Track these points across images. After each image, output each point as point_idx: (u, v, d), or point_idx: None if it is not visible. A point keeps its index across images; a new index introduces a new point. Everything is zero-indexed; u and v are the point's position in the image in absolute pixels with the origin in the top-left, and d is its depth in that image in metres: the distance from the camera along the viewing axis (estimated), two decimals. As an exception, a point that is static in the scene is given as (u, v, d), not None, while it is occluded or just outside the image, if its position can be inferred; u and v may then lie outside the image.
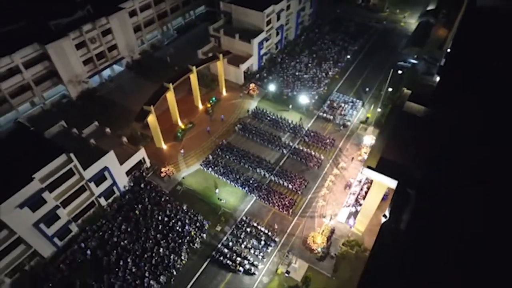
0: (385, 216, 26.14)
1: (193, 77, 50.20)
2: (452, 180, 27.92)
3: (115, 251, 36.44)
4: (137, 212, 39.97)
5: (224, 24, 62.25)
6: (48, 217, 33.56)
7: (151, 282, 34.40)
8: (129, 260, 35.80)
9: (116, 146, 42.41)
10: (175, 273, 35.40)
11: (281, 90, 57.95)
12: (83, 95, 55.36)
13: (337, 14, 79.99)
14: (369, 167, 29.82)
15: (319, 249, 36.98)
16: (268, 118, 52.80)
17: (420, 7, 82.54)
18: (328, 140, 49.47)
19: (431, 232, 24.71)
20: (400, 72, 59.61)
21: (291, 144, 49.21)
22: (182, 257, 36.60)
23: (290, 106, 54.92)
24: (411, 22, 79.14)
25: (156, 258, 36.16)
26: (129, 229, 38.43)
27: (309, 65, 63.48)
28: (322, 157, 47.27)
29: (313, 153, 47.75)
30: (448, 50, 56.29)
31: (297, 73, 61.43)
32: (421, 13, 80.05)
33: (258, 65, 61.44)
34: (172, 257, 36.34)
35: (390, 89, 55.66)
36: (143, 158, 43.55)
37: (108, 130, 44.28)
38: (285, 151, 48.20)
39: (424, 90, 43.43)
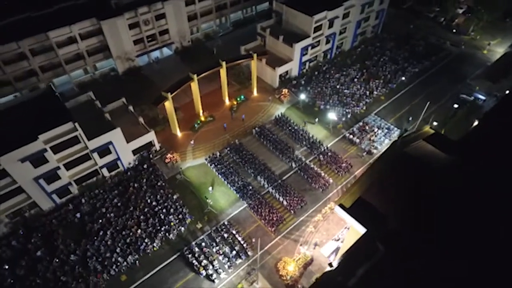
0: (330, 265, 22.93)
1: (223, 72, 50.26)
2: (438, 249, 23.20)
3: (100, 221, 38.92)
4: (131, 189, 41.97)
5: (274, 24, 60.91)
6: (48, 175, 37.22)
7: (119, 259, 36.00)
8: (108, 232, 37.91)
9: (130, 124, 45.01)
10: (142, 255, 36.56)
11: (314, 101, 54.86)
12: (128, 72, 59.68)
13: (409, 30, 72.17)
14: (341, 206, 26.46)
15: (288, 277, 34.48)
16: (290, 127, 50.51)
17: (516, 36, 70.17)
18: (344, 164, 45.49)
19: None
20: (456, 106, 51.62)
21: (303, 159, 46.43)
22: (155, 244, 37.47)
23: (317, 120, 51.71)
24: (498, 51, 67.57)
25: (131, 237, 37.65)
26: (119, 204, 40.63)
27: (355, 80, 58.75)
28: (331, 181, 43.69)
29: (322, 174, 44.42)
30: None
31: (338, 86, 57.40)
32: (513, 43, 67.98)
33: (298, 71, 58.92)
34: (146, 241, 37.46)
35: (435, 123, 48.89)
36: (152, 141, 45.29)
37: (131, 108, 47.01)
38: (294, 165, 45.71)
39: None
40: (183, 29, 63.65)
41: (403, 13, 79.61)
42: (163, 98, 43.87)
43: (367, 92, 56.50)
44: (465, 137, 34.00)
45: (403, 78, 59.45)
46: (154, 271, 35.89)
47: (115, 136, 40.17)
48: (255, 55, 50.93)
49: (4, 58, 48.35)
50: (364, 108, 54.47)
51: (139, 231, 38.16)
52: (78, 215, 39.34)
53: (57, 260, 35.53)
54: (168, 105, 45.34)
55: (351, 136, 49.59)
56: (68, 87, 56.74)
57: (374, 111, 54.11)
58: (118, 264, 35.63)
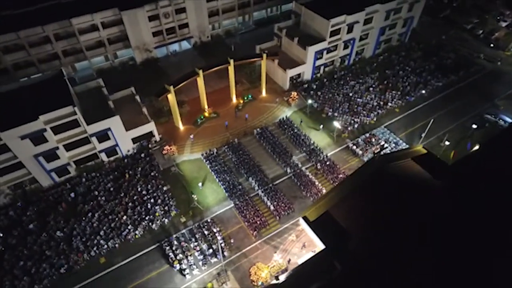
0: (277, 278, 22.17)
1: (231, 70, 50.21)
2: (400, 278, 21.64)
3: (91, 203, 40.58)
4: (126, 176, 43.30)
5: (292, 25, 59.77)
6: (48, 154, 39.37)
7: (102, 241, 37.36)
8: (96, 215, 39.44)
9: (133, 113, 46.40)
10: (123, 241, 37.67)
11: (323, 107, 53.26)
12: (145, 62, 61.49)
13: (440, 40, 67.71)
14: (304, 218, 25.48)
15: (260, 283, 33.90)
16: (292, 132, 49.47)
17: None
18: (341, 175, 43.83)
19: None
20: (474, 126, 47.73)
21: (299, 165, 45.31)
22: (137, 232, 38.43)
23: (321, 126, 50.18)
24: (539, 71, 61.62)
25: (116, 222, 38.88)
26: (111, 189, 42.09)
27: (371, 89, 56.22)
28: (324, 191, 42.26)
29: (316, 183, 43.12)
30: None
31: (351, 94, 55.27)
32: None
33: (312, 74, 57.42)
34: (129, 227, 38.52)
35: (447, 142, 45.65)
36: (152, 131, 46.34)
37: (138, 97, 48.38)
38: (289, 171, 44.76)
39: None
40: (203, 24, 64.37)
41: (438, 22, 74.86)
42: (165, 91, 44.67)
43: (381, 103, 53.88)
44: (460, 161, 31.31)
45: (423, 92, 55.97)
46: (132, 258, 36.85)
47: (114, 123, 41.57)
48: (264, 55, 50.33)
49: (30, 40, 51.75)
50: (375, 119, 52.02)
51: (124, 217, 39.32)
52: (72, 194, 41.30)
53: (45, 235, 37.57)
54: (171, 98, 46.11)
55: (354, 147, 47.61)
56: (88, 73, 59.58)
57: (385, 124, 51.52)
58: (100, 246, 36.99)
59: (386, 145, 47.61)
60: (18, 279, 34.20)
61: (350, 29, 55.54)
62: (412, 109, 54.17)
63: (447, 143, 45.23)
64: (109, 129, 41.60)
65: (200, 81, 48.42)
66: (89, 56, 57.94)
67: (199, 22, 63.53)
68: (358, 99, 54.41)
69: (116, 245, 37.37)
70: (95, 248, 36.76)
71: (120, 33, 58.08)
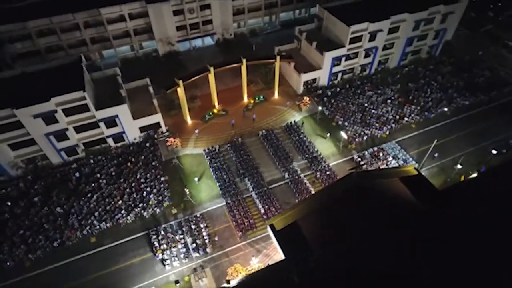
0: (228, 282, 22.04)
1: (243, 69, 50.35)
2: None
3: (92, 184, 42.76)
4: (128, 164, 45.05)
5: (314, 28, 58.63)
6: (58, 133, 42.00)
7: (95, 222, 39.31)
8: (94, 196, 41.52)
9: (144, 103, 48.14)
10: (114, 224, 39.36)
11: (334, 115, 51.86)
12: (167, 55, 63.37)
13: (476, 56, 63.12)
14: (271, 226, 25.11)
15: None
16: (297, 137, 48.72)
17: None
18: (339, 187, 42.44)
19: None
20: (494, 152, 44.15)
21: (298, 171, 44.58)
22: (129, 217, 39.93)
23: (329, 135, 48.93)
24: None
25: (112, 206, 40.67)
26: (113, 174, 44.03)
27: (389, 101, 53.85)
28: (318, 201, 41.21)
29: (312, 192, 42.21)
30: None
31: (366, 104, 53.29)
32: None
33: (328, 81, 56.03)
34: (122, 212, 40.15)
35: (459, 166, 42.67)
36: (159, 123, 47.75)
37: (151, 88, 50.04)
38: (286, 176, 44.20)
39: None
40: (227, 21, 65.03)
41: (477, 36, 69.82)
42: (174, 84, 45.79)
43: (397, 117, 51.43)
44: (452, 188, 29.09)
45: (446, 109, 52.59)
46: (120, 241, 38.38)
47: (121, 111, 43.40)
48: (278, 57, 49.90)
49: (62, 26, 55.32)
50: (387, 133, 49.81)
51: (120, 201, 41.02)
52: (77, 174, 43.75)
53: (47, 209, 40.21)
54: (180, 92, 47.18)
55: (359, 159, 45.93)
56: (113, 61, 62.54)
57: (397, 139, 49.14)
58: (93, 226, 38.94)
59: (393, 161, 45.53)
60: (16, 246, 36.96)
61: (372, 37, 53.44)
62: (430, 126, 51.15)
63: (459, 166, 42.24)
64: (116, 116, 43.49)
65: (211, 77, 49.05)
66: (115, 45, 60.82)
67: (223, 19, 64.28)
68: (373, 111, 52.32)
69: (108, 227, 39.11)
70: (88, 228, 38.75)
71: (146, 25, 60.34)
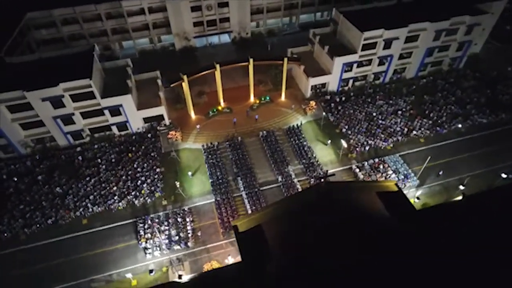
0: (180, 277, 22.27)
1: (251, 69, 50.34)
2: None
3: (92, 169, 44.65)
4: (129, 154, 46.51)
5: (329, 32, 57.43)
6: (65, 117, 44.25)
7: (89, 205, 41.05)
8: (92, 180, 43.35)
9: (150, 95, 49.53)
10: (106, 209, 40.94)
11: (339, 122, 50.62)
12: (184, 49, 64.61)
13: (504, 72, 58.94)
14: (235, 228, 25.08)
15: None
16: (297, 141, 48.06)
17: None
18: (331, 196, 41.43)
19: None
20: (504, 176, 41.19)
21: (292, 176, 44.00)
22: (121, 204, 41.32)
23: (329, 142, 47.84)
24: None
25: (106, 191, 42.28)
26: (113, 160, 45.73)
27: (399, 112, 51.72)
28: (308, 208, 40.48)
29: (303, 198, 41.46)
30: None
31: (374, 114, 51.54)
32: None
33: (337, 86, 54.69)
34: (115, 198, 41.63)
35: (461, 187, 40.29)
36: (162, 115, 48.89)
37: (159, 81, 51.34)
38: (280, 179, 43.77)
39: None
40: (244, 20, 65.24)
41: (509, 49, 65.26)
42: (179, 79, 46.68)
43: (405, 129, 49.31)
44: (430, 209, 27.44)
45: (460, 126, 49.70)
46: (109, 226, 39.83)
47: (125, 101, 44.92)
48: (285, 59, 49.41)
49: (84, 16, 58.08)
50: (391, 145, 47.91)
51: (115, 188, 42.55)
52: (80, 157, 45.86)
53: (47, 188, 42.52)
54: (185, 86, 48.02)
55: (357, 170, 44.56)
56: (132, 52, 64.79)
57: (402, 152, 47.15)
58: (86, 209, 40.68)
59: (393, 175, 43.75)
60: (14, 219, 39.43)
61: (387, 45, 51.50)
62: (440, 142, 48.60)
63: (461, 187, 39.86)
64: (121, 105, 45.07)
65: (218, 75, 49.49)
66: (134, 37, 62.99)
67: (240, 18, 64.56)
68: (380, 121, 50.49)
69: (100, 211, 40.73)
70: (81, 209, 40.55)
71: (164, 19, 61.97)
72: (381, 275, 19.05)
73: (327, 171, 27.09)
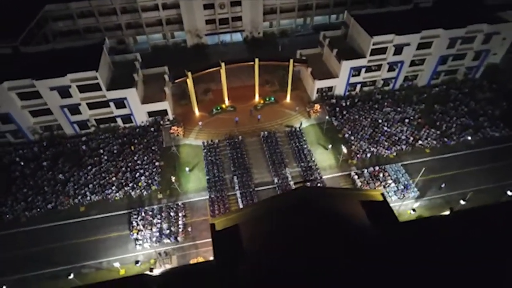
0: (151, 270, 22.52)
1: (256, 69, 50.25)
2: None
3: (94, 158, 45.93)
4: (132, 147, 47.49)
5: (340, 35, 56.47)
6: (71, 107, 45.72)
7: (88, 193, 42.28)
8: (93, 170, 44.60)
9: (156, 89, 50.36)
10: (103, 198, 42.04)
11: (342, 127, 49.74)
12: (195, 46, 65.29)
13: (523, 84, 56.23)
14: (212, 226, 25.16)
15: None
16: (298, 144, 47.59)
17: None
18: (326, 201, 40.82)
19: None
20: (510, 193, 39.19)
21: (289, 178, 43.64)
22: (118, 194, 42.31)
23: (330, 146, 47.12)
24: None
25: (105, 181, 43.39)
26: (115, 151, 46.86)
27: (406, 120, 50.25)
28: (301, 212, 40.06)
29: (297, 201, 41.05)
30: None
31: (380, 121, 50.32)
32: None
33: (344, 91, 53.71)
34: (113, 188, 42.67)
35: (462, 202, 38.71)
36: (166, 110, 49.61)
37: (166, 76, 52.14)
38: (276, 181, 43.52)
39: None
40: (257, 20, 65.18)
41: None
42: (183, 75, 47.20)
43: (411, 138, 47.87)
44: (415, 222, 26.47)
45: (469, 138, 47.75)
46: (105, 215, 40.85)
47: (130, 94, 45.89)
48: (291, 60, 49.00)
49: (100, 10, 59.76)
50: (395, 153, 46.63)
51: (114, 178, 43.61)
52: (84, 147, 47.27)
53: (51, 174, 44.09)
54: (189, 83, 48.50)
55: (355, 177, 43.66)
56: (145, 47, 66.11)
57: (405, 162, 45.78)
58: (84, 197, 41.92)
59: (392, 184, 42.61)
60: (17, 202, 41.15)
61: (398, 51, 50.07)
62: (446, 154, 46.86)
63: (462, 202, 38.28)
64: (125, 98, 46.09)
65: (223, 73, 49.68)
66: (147, 32, 64.26)
67: (253, 17, 64.56)
68: (385, 128, 49.24)
69: (97, 200, 41.85)
70: (80, 197, 41.82)
71: (177, 16, 62.85)
72: (353, 279, 18.67)
73: (305, 176, 26.71)
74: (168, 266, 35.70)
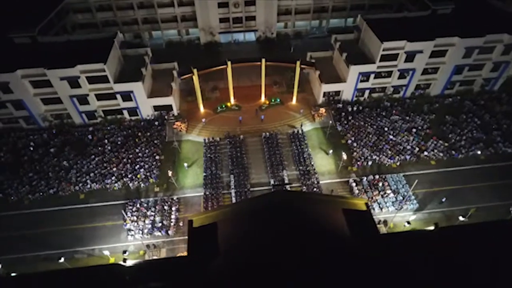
0: (124, 260, 22.95)
1: (263, 70, 50.16)
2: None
3: (98, 148, 47.34)
4: (136, 140, 48.55)
5: (352, 40, 55.32)
6: (80, 97, 47.27)
7: (88, 181, 43.64)
8: (96, 159, 45.97)
9: (163, 84, 51.25)
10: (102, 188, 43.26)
11: (346, 133, 48.81)
12: (208, 44, 65.91)
13: (546, 99, 53.10)
14: (189, 222, 25.36)
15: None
16: (299, 147, 47.11)
17: None
18: (320, 207, 40.22)
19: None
20: (515, 212, 37.29)
21: (286, 181, 43.30)
22: (117, 184, 43.42)
23: (331, 151, 46.35)
24: None
25: (106, 171, 44.63)
26: (118, 143, 48.09)
27: (413, 130, 48.66)
28: (293, 215, 39.67)
29: (291, 205, 40.68)
30: None
31: (386, 128, 48.99)
32: None
33: (352, 96, 52.63)
34: (113, 178, 43.83)
35: (461, 218, 37.09)
36: (171, 105, 50.39)
37: (175, 72, 52.94)
38: (272, 182, 43.29)
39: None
40: (271, 20, 64.95)
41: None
42: (188, 72, 47.77)
43: (416, 149, 46.33)
44: (395, 235, 25.48)
45: (479, 152, 45.67)
46: (102, 204, 42.02)
47: (136, 87, 46.94)
48: (298, 62, 48.52)
49: (118, 4, 61.42)
50: (398, 163, 45.28)
51: (114, 169, 44.78)
52: (90, 136, 48.81)
53: (56, 160, 45.83)
54: (195, 80, 49.02)
55: (353, 184, 42.74)
56: (159, 42, 67.39)
57: (408, 172, 44.38)
58: (85, 185, 43.28)
59: (391, 195, 41.39)
60: (22, 185, 43.04)
61: (410, 58, 48.54)
62: (453, 167, 45.02)
63: (461, 218, 36.69)
64: (131, 91, 47.19)
65: (229, 72, 49.91)
66: (162, 27, 65.46)
67: (267, 17, 64.39)
68: (391, 137, 47.89)
69: (97, 188, 43.12)
70: (81, 185, 43.21)
71: (192, 13, 63.63)
72: (320, 284, 18.43)
73: (283, 179, 26.43)
74: (152, 256, 36.31)
